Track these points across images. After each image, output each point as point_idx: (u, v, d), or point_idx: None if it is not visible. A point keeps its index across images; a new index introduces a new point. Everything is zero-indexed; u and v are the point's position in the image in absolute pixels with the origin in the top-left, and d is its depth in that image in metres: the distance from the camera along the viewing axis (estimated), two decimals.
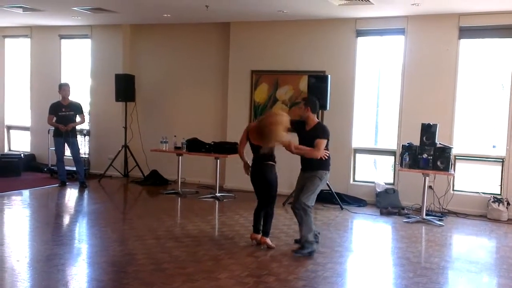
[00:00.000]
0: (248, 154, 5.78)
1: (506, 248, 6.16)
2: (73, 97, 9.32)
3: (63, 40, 10.85)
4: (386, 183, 8.30)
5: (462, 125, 8.02)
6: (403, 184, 8.08)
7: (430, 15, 7.83)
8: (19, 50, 11.59)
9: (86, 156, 10.50)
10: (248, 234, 5.97)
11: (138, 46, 10.24)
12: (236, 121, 9.09)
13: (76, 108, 9.15)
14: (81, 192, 8.87)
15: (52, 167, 10.01)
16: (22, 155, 10.80)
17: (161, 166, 9.74)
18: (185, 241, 5.88)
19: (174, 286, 4.44)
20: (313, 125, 5.56)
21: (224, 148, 8.27)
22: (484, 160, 8.03)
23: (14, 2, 8.23)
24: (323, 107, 7.66)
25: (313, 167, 5.53)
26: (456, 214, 7.70)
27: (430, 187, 7.63)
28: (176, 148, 8.73)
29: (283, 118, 5.31)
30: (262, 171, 5.61)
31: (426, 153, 7.21)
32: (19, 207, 7.85)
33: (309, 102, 5.62)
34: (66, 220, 7.29)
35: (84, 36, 10.54)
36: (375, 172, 8.92)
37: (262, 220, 5.70)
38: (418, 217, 7.30)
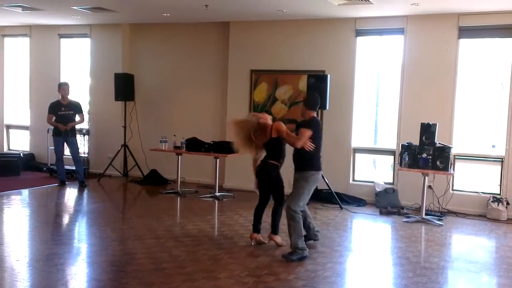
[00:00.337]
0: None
1: (506, 247, 6.16)
2: (72, 96, 9.32)
3: (62, 39, 10.84)
4: (385, 183, 8.30)
5: (461, 124, 8.02)
6: (403, 184, 8.09)
7: (429, 15, 7.83)
8: (18, 49, 11.58)
9: (86, 155, 10.48)
10: (247, 234, 5.98)
11: (138, 46, 10.23)
12: None
13: (76, 108, 9.15)
14: (80, 191, 8.87)
15: (52, 167, 10.00)
16: (21, 154, 10.79)
17: (161, 166, 9.73)
18: (184, 240, 5.88)
19: (173, 286, 4.44)
20: (307, 119, 5.57)
21: (224, 148, 8.23)
22: (484, 160, 8.03)
23: (14, 1, 8.21)
24: (323, 106, 7.67)
25: (301, 166, 5.48)
26: (455, 213, 7.70)
27: (429, 186, 7.63)
28: (176, 147, 8.72)
29: (237, 119, 6.02)
30: (262, 169, 5.68)
31: (426, 152, 7.21)
32: (19, 207, 7.84)
33: (305, 100, 5.71)
34: (66, 219, 7.28)
35: (84, 35, 10.53)
36: (374, 171, 8.92)
37: (270, 217, 5.72)
38: (417, 217, 7.30)
